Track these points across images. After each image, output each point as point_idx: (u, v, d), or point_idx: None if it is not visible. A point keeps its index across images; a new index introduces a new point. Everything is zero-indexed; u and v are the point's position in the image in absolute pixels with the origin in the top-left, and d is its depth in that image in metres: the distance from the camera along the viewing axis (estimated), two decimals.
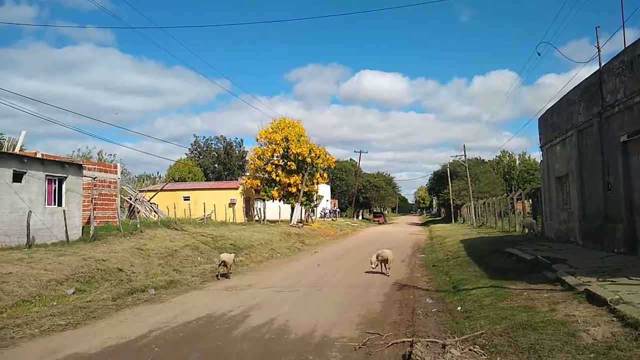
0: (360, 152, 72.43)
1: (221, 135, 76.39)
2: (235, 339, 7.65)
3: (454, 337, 7.00)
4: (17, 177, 15.32)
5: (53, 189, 16.93)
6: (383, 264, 14.69)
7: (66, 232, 16.49)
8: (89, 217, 18.69)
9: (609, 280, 8.66)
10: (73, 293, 11.16)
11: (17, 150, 18.75)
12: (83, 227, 18.40)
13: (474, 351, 6.23)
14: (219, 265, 14.59)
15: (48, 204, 16.56)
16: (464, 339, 6.81)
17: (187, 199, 39.56)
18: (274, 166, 38.25)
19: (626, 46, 12.60)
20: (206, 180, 62.46)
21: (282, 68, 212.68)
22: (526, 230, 24.21)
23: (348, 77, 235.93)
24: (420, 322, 8.49)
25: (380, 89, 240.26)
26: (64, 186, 17.34)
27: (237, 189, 41.52)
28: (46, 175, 16.43)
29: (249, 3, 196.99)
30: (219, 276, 14.43)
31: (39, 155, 17.92)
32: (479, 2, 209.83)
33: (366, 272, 15.01)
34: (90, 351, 6.99)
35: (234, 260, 15.42)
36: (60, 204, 17.11)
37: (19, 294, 10.24)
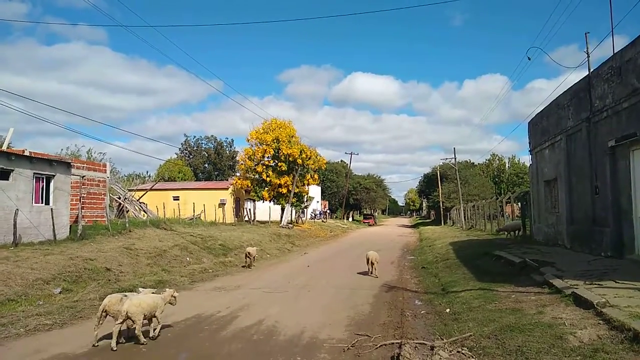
0: (351, 153, 72.74)
1: (212, 135, 76.21)
2: (223, 339, 7.62)
3: (443, 339, 7.03)
4: (4, 175, 15.13)
5: (41, 187, 16.73)
6: (370, 265, 14.85)
7: (53, 230, 16.31)
8: (77, 216, 18.52)
9: (595, 284, 8.74)
10: (60, 292, 11.04)
11: (4, 148, 18.52)
12: (71, 226, 18.22)
13: (462, 353, 6.25)
14: (245, 256, 17.64)
15: (35, 203, 16.36)
16: (452, 341, 6.84)
17: (176, 198, 39.33)
18: (264, 167, 38.16)
19: (615, 52, 12.75)
20: (196, 180, 62.20)
21: (274, 69, 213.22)
22: (511, 234, 24.32)
23: (340, 79, 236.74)
24: (408, 324, 8.51)
25: (373, 91, 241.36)
26: (51, 184, 17.15)
27: (227, 189, 41.36)
28: (34, 173, 16.23)
29: (241, 3, 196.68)
30: (246, 266, 17.36)
31: (26, 153, 17.71)
32: (471, 6, 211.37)
33: (356, 273, 15.02)
34: (76, 351, 6.91)
35: (257, 253, 18.18)
36: (47, 203, 16.92)
37: (5, 292, 10.12)
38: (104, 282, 12.35)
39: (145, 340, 7.20)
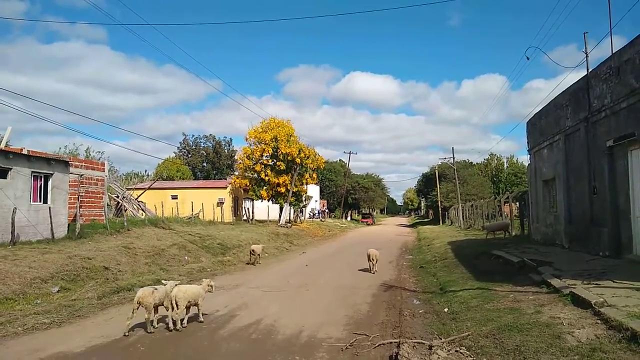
0: (350, 153, 72.67)
1: (210, 134, 76.29)
2: (222, 338, 7.62)
3: (441, 339, 7.03)
4: (2, 174, 15.10)
5: (39, 185, 16.71)
6: (371, 262, 15.36)
7: (51, 229, 16.29)
8: (75, 215, 18.48)
9: (593, 283, 8.76)
10: (58, 291, 11.03)
11: (2, 146, 18.47)
12: (69, 224, 18.19)
13: (460, 352, 6.26)
14: (250, 254, 18.32)
15: (33, 201, 16.34)
16: (451, 340, 6.85)
17: (175, 197, 39.27)
18: (263, 166, 38.11)
19: (613, 52, 12.76)
20: (194, 179, 62.08)
21: (273, 68, 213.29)
22: (494, 234, 24.32)
23: (339, 78, 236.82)
24: (407, 323, 8.52)
25: (372, 90, 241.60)
26: (50, 183, 17.12)
27: (225, 188, 41.31)
28: (32, 172, 16.21)
29: (240, 3, 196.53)
30: (251, 263, 17.92)
31: (25, 152, 17.68)
32: (469, 6, 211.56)
33: (354, 273, 15.01)
34: (74, 350, 6.91)
35: (262, 250, 18.80)
36: (45, 201, 16.90)
37: (2, 291, 10.10)
38: (102, 281, 12.33)
39: (180, 327, 7.96)
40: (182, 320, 8.16)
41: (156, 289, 8.00)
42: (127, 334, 7.60)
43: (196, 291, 8.38)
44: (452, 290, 11.12)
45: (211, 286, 8.87)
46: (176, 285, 8.41)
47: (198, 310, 8.54)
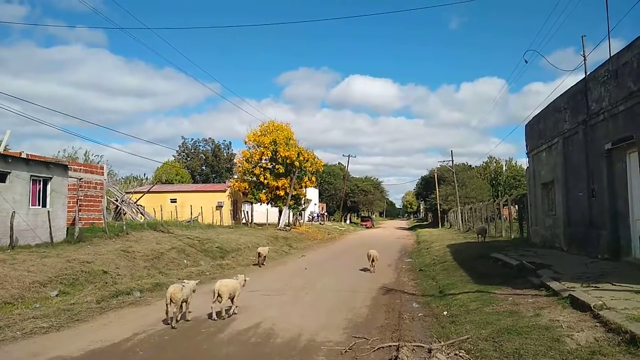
0: (349, 156, 72.56)
1: (209, 138, 75.89)
2: (220, 342, 7.60)
3: (440, 342, 7.03)
4: (1, 177, 15.09)
5: (37, 189, 16.69)
6: (371, 262, 16.10)
7: (50, 233, 16.27)
8: (74, 219, 18.46)
9: (592, 286, 8.76)
10: (56, 295, 11.00)
11: (1, 150, 18.46)
12: (68, 228, 18.16)
13: (460, 356, 6.26)
14: (257, 256, 18.95)
15: (32, 205, 16.33)
16: (450, 344, 6.84)
17: (174, 201, 39.24)
18: (262, 169, 38.13)
19: (611, 55, 12.80)
20: (193, 183, 62.02)
21: (272, 71, 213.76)
22: (480, 237, 24.44)
23: (338, 81, 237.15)
24: (406, 327, 8.51)
25: (371, 94, 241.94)
26: (48, 187, 17.11)
27: (224, 191, 41.31)
28: (31, 176, 16.20)
29: (240, 6, 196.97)
30: (257, 265, 18.56)
31: (23, 155, 17.67)
32: (468, 9, 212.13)
33: (353, 275, 14.99)
34: (73, 354, 6.89)
35: (267, 252, 19.63)
36: (44, 205, 16.88)
37: (1, 295, 10.08)
38: (101, 284, 12.30)
39: (225, 315, 9.09)
40: (226, 310, 9.23)
41: (184, 285, 8.71)
42: (174, 325, 8.35)
43: (235, 285, 9.42)
44: (451, 294, 11.11)
45: (246, 281, 9.95)
46: (196, 284, 9.41)
47: (233, 302, 9.35)
